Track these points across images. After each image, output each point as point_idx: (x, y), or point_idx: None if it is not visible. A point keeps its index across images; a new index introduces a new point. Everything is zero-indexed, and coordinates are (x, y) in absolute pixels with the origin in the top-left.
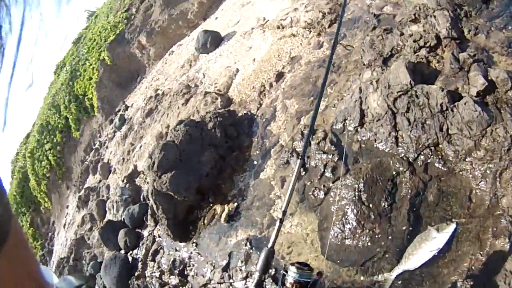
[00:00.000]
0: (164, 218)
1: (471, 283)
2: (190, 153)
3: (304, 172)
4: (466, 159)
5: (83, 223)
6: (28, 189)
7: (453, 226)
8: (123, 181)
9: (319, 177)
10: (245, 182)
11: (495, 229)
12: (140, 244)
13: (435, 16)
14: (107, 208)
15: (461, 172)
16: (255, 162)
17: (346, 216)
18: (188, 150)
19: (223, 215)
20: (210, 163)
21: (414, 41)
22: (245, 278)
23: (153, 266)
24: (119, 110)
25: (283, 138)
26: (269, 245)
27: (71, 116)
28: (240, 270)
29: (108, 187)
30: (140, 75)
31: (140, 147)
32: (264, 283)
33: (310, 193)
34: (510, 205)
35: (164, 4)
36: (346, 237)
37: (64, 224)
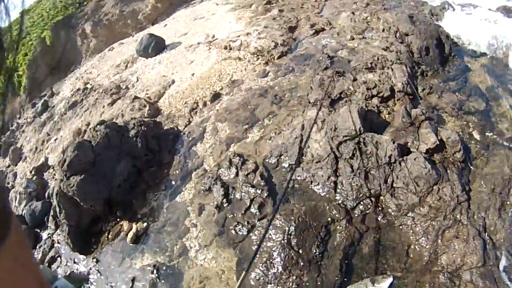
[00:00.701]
0: (65, 224)
1: None
2: (105, 159)
3: (226, 203)
4: (408, 214)
5: None
6: None
7: (389, 280)
8: (31, 172)
9: (243, 211)
10: (159, 202)
11: (432, 284)
12: (38, 247)
13: (392, 69)
14: (9, 199)
15: (401, 227)
16: (173, 183)
17: (272, 260)
18: (103, 154)
19: (130, 234)
20: (124, 174)
21: (368, 88)
22: None
23: None
24: (44, 95)
25: (208, 162)
26: None
27: None
28: None
29: (15, 174)
30: (75, 64)
31: (56, 139)
32: None
33: (231, 227)
34: (450, 262)
35: None
36: (269, 282)
37: None
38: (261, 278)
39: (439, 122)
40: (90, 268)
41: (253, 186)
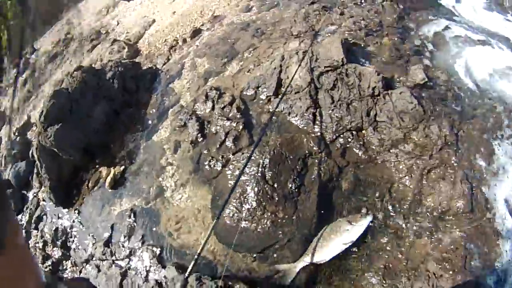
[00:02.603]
0: (47, 178)
1: (388, 281)
2: (82, 104)
3: (201, 138)
4: (391, 150)
5: None
6: None
7: (368, 219)
8: (14, 133)
9: (218, 146)
10: (136, 143)
11: (415, 227)
12: (25, 209)
13: (383, 6)
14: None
15: (383, 163)
16: (150, 122)
17: (245, 195)
18: (80, 100)
19: (108, 179)
20: (101, 117)
21: (354, 22)
22: (129, 255)
23: (37, 235)
24: (26, 53)
25: (184, 98)
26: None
27: None
28: (123, 246)
29: (0, 139)
30: (56, 16)
31: (37, 95)
32: None
33: (206, 163)
34: (435, 205)
35: None
36: (244, 219)
37: None
38: (235, 214)
39: (430, 57)
40: (73, 221)
41: (228, 119)
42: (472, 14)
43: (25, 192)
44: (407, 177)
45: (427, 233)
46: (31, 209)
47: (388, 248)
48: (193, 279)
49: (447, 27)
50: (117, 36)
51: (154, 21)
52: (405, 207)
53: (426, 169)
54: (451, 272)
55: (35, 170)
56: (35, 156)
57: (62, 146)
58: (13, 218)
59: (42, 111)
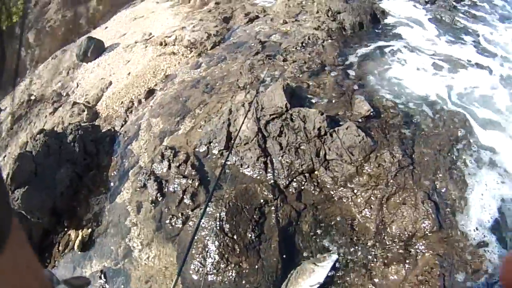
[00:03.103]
0: None
1: None
2: (46, 167)
3: (161, 198)
4: (347, 186)
5: None
6: None
7: (333, 258)
8: None
9: (177, 203)
10: (101, 206)
11: (384, 257)
12: None
13: (323, 46)
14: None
15: (341, 200)
16: (112, 184)
17: (207, 249)
18: (44, 163)
19: (76, 242)
20: (65, 180)
21: (297, 67)
22: None
23: None
24: None
25: (143, 159)
26: None
27: None
28: None
29: None
30: (20, 76)
31: (4, 157)
32: None
33: (167, 221)
34: (401, 230)
35: (61, 4)
36: (209, 273)
37: None
38: (200, 269)
39: (373, 90)
40: None
41: (184, 177)
42: (422, 40)
43: None
44: (366, 210)
45: (398, 260)
46: None
47: (359, 283)
48: None
49: (391, 52)
50: (77, 99)
51: (111, 83)
52: (370, 239)
53: (384, 198)
54: None
55: None
56: None
57: (30, 209)
58: (15, 217)
59: (8, 173)
